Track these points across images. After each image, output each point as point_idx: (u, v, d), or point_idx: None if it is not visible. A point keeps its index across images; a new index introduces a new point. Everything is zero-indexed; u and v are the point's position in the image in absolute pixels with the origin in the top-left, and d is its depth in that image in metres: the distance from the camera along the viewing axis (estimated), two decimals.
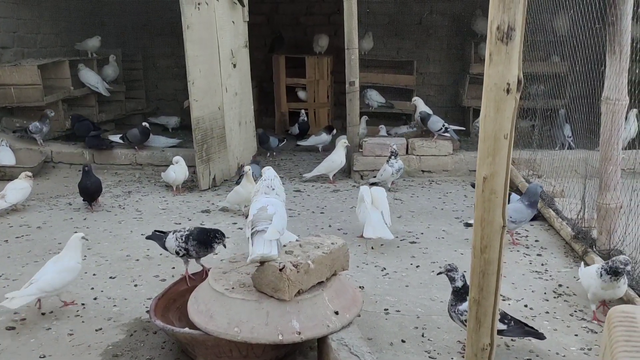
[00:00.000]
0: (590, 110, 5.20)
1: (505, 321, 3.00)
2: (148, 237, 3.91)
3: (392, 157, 6.14)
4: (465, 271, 3.08)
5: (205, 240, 3.45)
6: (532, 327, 3.08)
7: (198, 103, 6.19)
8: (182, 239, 3.49)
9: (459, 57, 9.43)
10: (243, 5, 7.03)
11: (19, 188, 5.38)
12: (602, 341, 2.34)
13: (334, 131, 8.07)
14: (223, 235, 3.47)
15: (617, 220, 4.02)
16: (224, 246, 3.50)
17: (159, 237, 3.77)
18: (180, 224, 5.14)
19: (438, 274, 3.22)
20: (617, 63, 3.88)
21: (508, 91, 1.95)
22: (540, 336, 3.05)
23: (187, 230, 3.52)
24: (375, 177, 6.38)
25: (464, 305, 2.97)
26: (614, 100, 3.91)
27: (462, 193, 6.21)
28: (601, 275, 3.32)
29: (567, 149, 6.79)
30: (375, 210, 4.67)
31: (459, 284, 3.07)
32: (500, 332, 2.90)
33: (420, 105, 7.46)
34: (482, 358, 2.24)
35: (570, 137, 6.84)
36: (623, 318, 2.29)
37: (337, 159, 6.54)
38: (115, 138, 7.32)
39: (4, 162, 6.55)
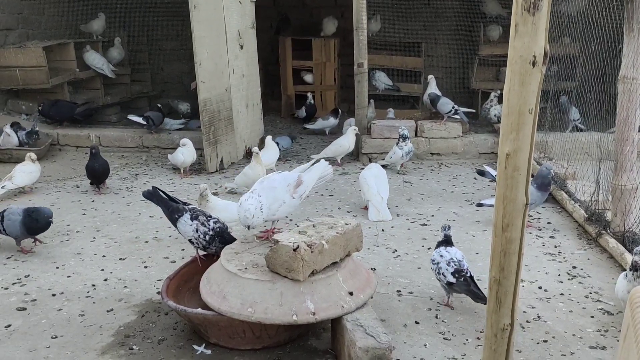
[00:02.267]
0: (603, 91, 5.12)
1: (456, 275, 3.24)
2: (146, 196, 3.55)
3: (402, 139, 6.08)
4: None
5: (229, 240, 3.28)
6: (477, 289, 3.20)
7: (205, 85, 6.13)
8: (204, 236, 3.25)
9: (467, 39, 9.30)
10: None
11: (28, 171, 5.34)
12: (624, 322, 2.30)
13: (339, 114, 7.96)
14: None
15: (632, 202, 3.97)
16: None
17: (164, 202, 3.42)
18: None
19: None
20: (635, 41, 3.80)
21: (534, 64, 1.88)
22: (480, 300, 3.17)
23: (211, 230, 3.25)
24: (384, 159, 6.32)
25: (433, 254, 3.42)
26: (631, 79, 3.82)
27: (472, 176, 6.15)
28: (626, 276, 3.08)
29: (577, 131, 6.70)
30: (378, 194, 4.84)
31: (440, 239, 3.48)
32: (450, 284, 3.29)
33: (432, 85, 7.37)
34: (502, 338, 2.20)
35: (577, 119, 6.75)
36: None
37: (345, 143, 6.47)
38: (138, 119, 7.12)
39: (10, 145, 6.50)
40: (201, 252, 3.47)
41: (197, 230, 3.27)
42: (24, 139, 6.56)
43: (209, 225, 3.28)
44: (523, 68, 1.90)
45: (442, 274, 3.28)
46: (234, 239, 3.31)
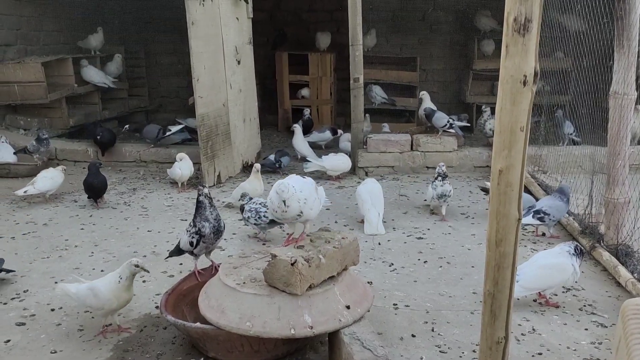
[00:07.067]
0: (596, 105, 5.20)
1: None
2: (167, 258, 3.91)
3: (440, 178, 5.15)
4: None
5: (209, 218, 3.55)
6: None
7: (203, 100, 6.19)
8: (190, 225, 3.52)
9: (462, 54, 9.43)
10: (247, 2, 7.01)
11: (49, 177, 5.53)
12: (616, 334, 2.34)
13: (337, 134, 7.76)
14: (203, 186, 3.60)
15: (625, 215, 4.02)
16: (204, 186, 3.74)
17: (175, 250, 3.80)
18: (186, 220, 5.13)
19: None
20: (626, 58, 3.88)
21: (524, 83, 1.95)
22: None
23: (194, 224, 3.54)
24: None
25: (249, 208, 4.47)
26: (622, 94, 3.90)
27: (467, 189, 6.21)
28: None
29: (573, 144, 6.76)
30: (373, 209, 4.87)
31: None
32: (272, 222, 4.31)
33: (426, 100, 7.45)
34: (496, 352, 2.24)
35: (571, 133, 6.83)
36: (637, 311, 2.30)
37: (346, 161, 6.51)
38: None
39: (6, 160, 6.52)
40: (199, 267, 3.53)
41: (186, 231, 3.58)
42: (34, 146, 6.61)
43: (191, 224, 3.57)
44: (514, 87, 1.97)
45: (264, 216, 4.42)
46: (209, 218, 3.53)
